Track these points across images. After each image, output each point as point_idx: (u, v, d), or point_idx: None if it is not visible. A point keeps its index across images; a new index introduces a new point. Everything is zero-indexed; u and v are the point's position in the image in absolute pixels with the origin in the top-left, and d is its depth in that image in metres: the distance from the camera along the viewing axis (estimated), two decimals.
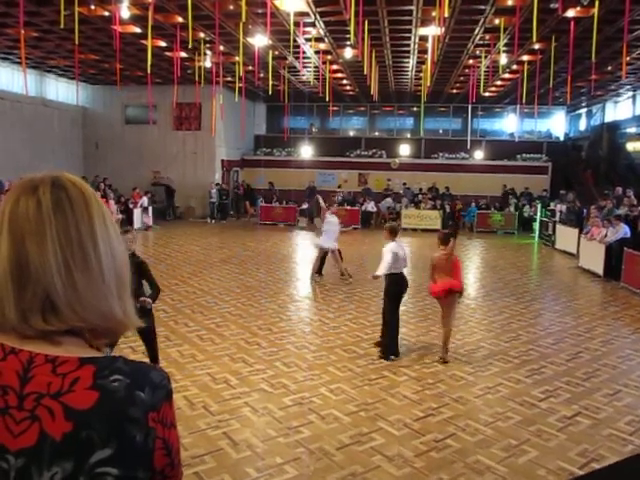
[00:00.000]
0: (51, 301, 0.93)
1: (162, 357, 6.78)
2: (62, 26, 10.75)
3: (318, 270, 11.90)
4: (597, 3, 9.57)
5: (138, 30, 13.48)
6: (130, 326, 1.04)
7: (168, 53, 15.85)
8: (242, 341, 7.47)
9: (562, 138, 27.61)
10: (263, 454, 4.52)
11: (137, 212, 19.87)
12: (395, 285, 7.05)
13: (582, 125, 28.40)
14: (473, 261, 15.57)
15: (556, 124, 27.98)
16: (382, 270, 6.98)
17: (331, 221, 11.75)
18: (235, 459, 4.42)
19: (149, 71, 13.90)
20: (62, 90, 21.99)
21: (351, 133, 28.79)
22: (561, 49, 13.59)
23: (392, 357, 6.91)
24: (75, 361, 0.92)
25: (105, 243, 0.99)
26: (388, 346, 7.00)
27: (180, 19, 12.51)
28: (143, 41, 13.75)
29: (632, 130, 22.25)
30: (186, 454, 4.45)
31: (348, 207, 22.44)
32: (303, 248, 17.16)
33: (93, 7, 11.91)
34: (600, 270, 12.85)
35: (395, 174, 25.38)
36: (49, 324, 0.93)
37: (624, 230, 12.75)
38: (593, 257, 13.36)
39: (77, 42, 11.68)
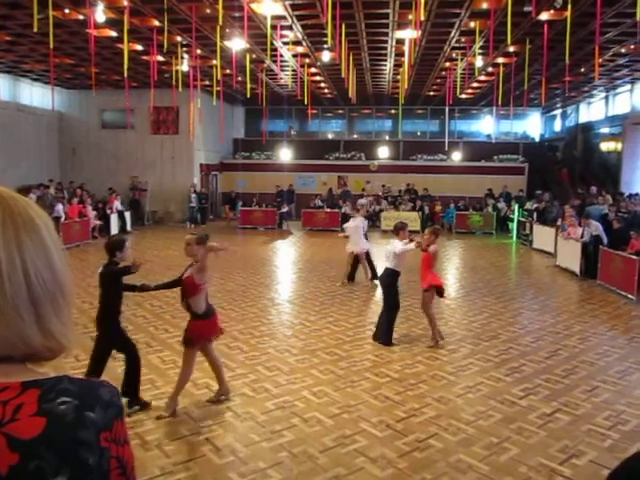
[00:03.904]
0: None
1: (143, 363, 6.71)
2: (36, 30, 10.59)
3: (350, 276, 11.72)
4: (570, 6, 9.74)
5: (114, 34, 13.36)
6: (65, 348, 0.94)
7: (145, 57, 15.72)
8: (223, 346, 7.42)
9: (538, 139, 28.05)
10: (246, 459, 4.50)
11: (113, 217, 19.58)
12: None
13: (557, 126, 28.84)
14: (452, 262, 15.68)
15: (532, 125, 28.39)
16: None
17: (351, 225, 11.65)
18: (218, 465, 4.40)
19: (126, 75, 13.78)
20: (37, 95, 21.61)
21: (330, 136, 28.84)
22: (535, 51, 13.80)
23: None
24: (17, 386, 0.85)
25: (12, 258, 0.86)
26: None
27: (157, 23, 12.43)
28: (119, 45, 13.62)
29: (605, 130, 22.66)
30: (168, 461, 4.41)
31: (328, 209, 22.53)
32: (282, 251, 17.15)
33: (68, 11, 11.76)
34: (577, 269, 13.06)
35: (374, 176, 25.51)
36: None
37: (598, 227, 12.95)
38: (570, 256, 13.56)
39: (52, 46, 11.51)
